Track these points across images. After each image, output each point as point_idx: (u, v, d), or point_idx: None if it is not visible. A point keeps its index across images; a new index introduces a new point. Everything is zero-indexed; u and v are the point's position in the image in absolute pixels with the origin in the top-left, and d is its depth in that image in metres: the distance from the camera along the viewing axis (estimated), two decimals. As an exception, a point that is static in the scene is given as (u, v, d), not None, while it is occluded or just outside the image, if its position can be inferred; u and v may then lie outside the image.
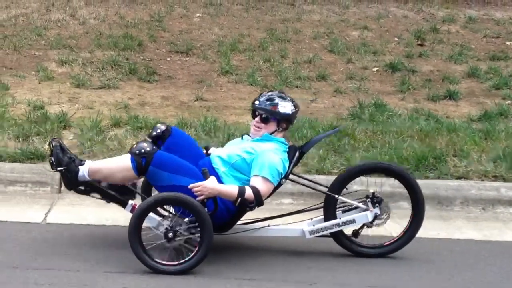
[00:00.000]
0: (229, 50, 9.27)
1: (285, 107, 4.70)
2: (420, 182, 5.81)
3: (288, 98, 4.76)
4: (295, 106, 4.77)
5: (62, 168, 4.50)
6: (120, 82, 8.19)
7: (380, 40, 10.01)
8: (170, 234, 4.35)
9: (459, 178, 6.19)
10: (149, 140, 4.72)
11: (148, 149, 4.40)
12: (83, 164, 4.53)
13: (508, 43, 10.16)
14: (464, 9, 11.58)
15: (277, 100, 4.70)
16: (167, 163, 4.42)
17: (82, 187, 4.61)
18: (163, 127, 4.77)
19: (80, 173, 4.50)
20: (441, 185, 6.05)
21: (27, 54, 8.86)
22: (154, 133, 4.77)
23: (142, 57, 8.98)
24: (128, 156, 4.46)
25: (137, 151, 4.40)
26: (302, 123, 6.90)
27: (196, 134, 6.62)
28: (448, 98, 8.19)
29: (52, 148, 4.56)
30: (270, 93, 4.78)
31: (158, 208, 4.52)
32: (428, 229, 5.38)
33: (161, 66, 8.82)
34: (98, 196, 4.64)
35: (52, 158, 4.53)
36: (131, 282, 4.24)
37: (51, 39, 9.28)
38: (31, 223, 5.24)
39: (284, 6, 11.11)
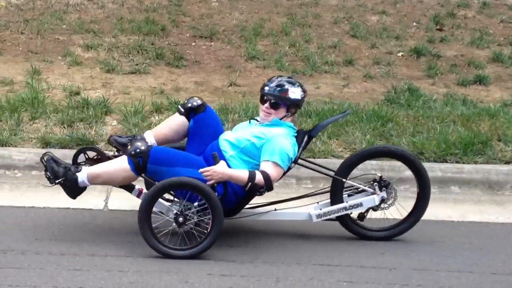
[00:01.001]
0: (253, 35, 9.19)
1: (294, 93, 4.71)
2: (470, 167, 5.92)
3: (297, 84, 4.77)
4: (304, 91, 4.78)
5: (60, 179, 4.50)
6: (149, 67, 8.10)
7: (399, 25, 10.01)
8: (181, 219, 4.39)
9: (507, 162, 6.22)
10: (182, 110, 4.83)
11: (143, 148, 4.43)
12: (80, 170, 4.54)
13: (525, 28, 10.22)
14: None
15: (287, 86, 4.70)
16: (163, 158, 4.46)
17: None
18: (199, 101, 4.80)
19: (80, 180, 4.53)
20: (491, 169, 6.10)
21: (51, 39, 8.75)
22: (190, 105, 4.82)
23: (167, 42, 8.90)
24: (125, 157, 4.48)
25: (133, 152, 4.42)
26: (344, 107, 6.89)
27: (239, 119, 6.58)
28: (478, 83, 8.22)
29: (45, 163, 4.57)
30: (279, 79, 4.77)
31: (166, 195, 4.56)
32: (489, 214, 5.43)
33: (187, 51, 8.75)
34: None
35: (48, 173, 4.55)
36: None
37: (73, 23, 9.16)
38: (94, 210, 5.20)
39: (301, -10, 11.06)
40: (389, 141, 6.37)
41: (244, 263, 4.42)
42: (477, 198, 5.81)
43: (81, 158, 4.77)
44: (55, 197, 5.17)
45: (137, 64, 8.18)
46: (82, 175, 4.52)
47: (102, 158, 4.72)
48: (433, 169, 5.97)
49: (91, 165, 4.63)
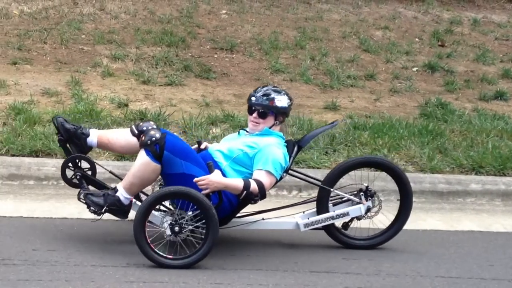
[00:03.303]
0: (270, 48, 9.34)
1: (281, 101, 4.74)
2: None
3: (283, 92, 4.81)
4: (290, 99, 4.82)
5: (105, 208, 4.48)
6: (180, 78, 8.15)
7: (403, 40, 10.34)
8: (177, 228, 4.37)
9: None
10: (136, 131, 4.62)
11: (158, 135, 4.38)
12: (116, 190, 4.51)
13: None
14: (461, 11, 12.08)
15: (273, 94, 4.73)
16: (179, 148, 4.44)
17: (75, 180, 4.62)
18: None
19: (122, 198, 4.50)
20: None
21: (75, 49, 8.68)
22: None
23: (190, 54, 8.94)
24: (142, 152, 4.42)
25: (148, 141, 4.38)
26: (392, 122, 7.11)
27: (293, 133, 6.72)
28: (498, 98, 8.58)
29: (84, 201, 4.54)
30: (265, 88, 4.80)
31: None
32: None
33: (212, 63, 8.83)
34: (91, 186, 4.66)
35: (91, 208, 4.52)
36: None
37: (91, 33, 9.09)
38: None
39: (301, 4, 11.27)
40: (447, 155, 6.61)
41: (237, 271, 4.41)
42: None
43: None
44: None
45: (167, 76, 8.21)
46: (121, 192, 4.49)
47: (92, 172, 4.66)
48: (496, 183, 6.25)
49: (81, 174, 4.60)
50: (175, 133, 5.11)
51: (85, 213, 4.73)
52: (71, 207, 5.21)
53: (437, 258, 4.87)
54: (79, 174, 4.62)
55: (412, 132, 6.96)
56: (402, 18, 11.32)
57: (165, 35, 9.25)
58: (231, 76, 8.55)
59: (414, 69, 9.39)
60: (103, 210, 4.49)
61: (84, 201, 4.53)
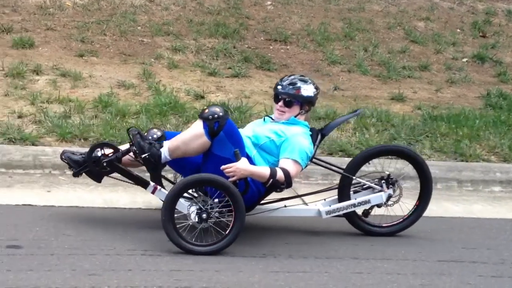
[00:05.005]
0: (321, 39, 9.43)
1: (307, 90, 4.81)
2: None
3: (310, 81, 4.87)
4: (316, 88, 4.88)
5: (145, 154, 4.51)
6: (242, 70, 8.22)
7: (445, 31, 10.46)
8: (204, 215, 4.42)
9: None
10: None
11: (221, 114, 4.44)
12: (162, 146, 4.55)
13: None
14: (494, 2, 12.22)
15: (299, 83, 4.81)
16: (235, 134, 4.51)
17: (105, 169, 4.64)
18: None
19: (163, 156, 4.53)
20: None
21: (135, 41, 8.72)
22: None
23: (246, 45, 9.01)
24: (199, 123, 4.48)
25: (210, 116, 4.43)
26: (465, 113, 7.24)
27: (373, 124, 6.85)
28: (556, 89, 8.77)
29: (131, 137, 4.59)
30: (291, 77, 4.88)
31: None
32: None
33: (269, 54, 8.90)
34: (120, 176, 4.71)
35: (134, 147, 4.56)
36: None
37: (146, 25, 9.12)
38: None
39: (340, -6, 11.36)
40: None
41: (256, 258, 4.49)
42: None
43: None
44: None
45: (229, 68, 8.28)
46: (164, 150, 4.52)
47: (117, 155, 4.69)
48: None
49: (106, 161, 4.62)
50: None
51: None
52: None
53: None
54: (106, 161, 4.61)
55: (487, 123, 7.08)
56: (440, 9, 11.44)
57: (219, 26, 9.29)
58: (290, 67, 8.64)
59: (464, 60, 9.53)
60: (142, 156, 4.48)
61: (131, 138, 4.56)
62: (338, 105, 7.50)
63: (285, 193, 4.89)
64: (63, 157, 4.77)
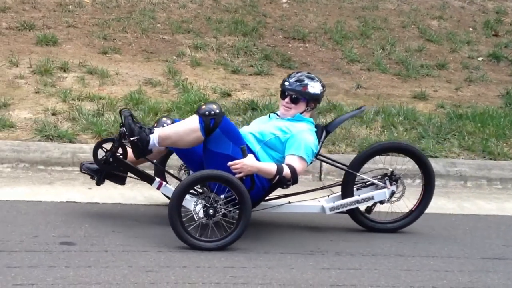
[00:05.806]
0: (339, 37, 9.49)
1: (314, 87, 4.83)
2: None
3: (316, 79, 4.89)
4: (323, 86, 4.90)
5: (134, 138, 4.49)
6: (264, 68, 8.27)
7: (458, 30, 10.54)
8: (211, 211, 4.45)
9: None
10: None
11: (217, 111, 4.45)
12: (153, 132, 4.55)
13: None
14: (503, 1, 12.31)
15: (306, 80, 4.82)
16: (232, 130, 4.55)
17: (110, 165, 4.65)
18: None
19: (151, 142, 4.53)
20: None
21: (156, 38, 8.74)
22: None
23: (265, 43, 9.06)
24: (195, 118, 4.50)
25: (206, 112, 4.44)
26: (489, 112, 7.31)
27: (400, 122, 6.91)
28: None
29: (123, 118, 4.56)
30: (299, 74, 4.90)
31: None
32: None
33: (289, 52, 8.95)
34: (124, 172, 4.72)
35: (124, 128, 4.52)
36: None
37: (166, 22, 9.16)
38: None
39: (352, -7, 11.42)
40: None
41: (260, 254, 4.52)
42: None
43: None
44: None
45: (251, 66, 8.33)
46: (154, 137, 4.52)
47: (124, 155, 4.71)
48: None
49: (111, 157, 4.63)
50: None
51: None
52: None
53: None
54: (111, 155, 4.64)
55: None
56: (451, 8, 11.51)
57: (237, 24, 9.33)
58: (310, 65, 8.70)
59: (480, 59, 9.61)
60: (131, 138, 4.48)
61: (122, 119, 4.55)
62: (362, 103, 7.55)
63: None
64: (82, 169, 4.80)
